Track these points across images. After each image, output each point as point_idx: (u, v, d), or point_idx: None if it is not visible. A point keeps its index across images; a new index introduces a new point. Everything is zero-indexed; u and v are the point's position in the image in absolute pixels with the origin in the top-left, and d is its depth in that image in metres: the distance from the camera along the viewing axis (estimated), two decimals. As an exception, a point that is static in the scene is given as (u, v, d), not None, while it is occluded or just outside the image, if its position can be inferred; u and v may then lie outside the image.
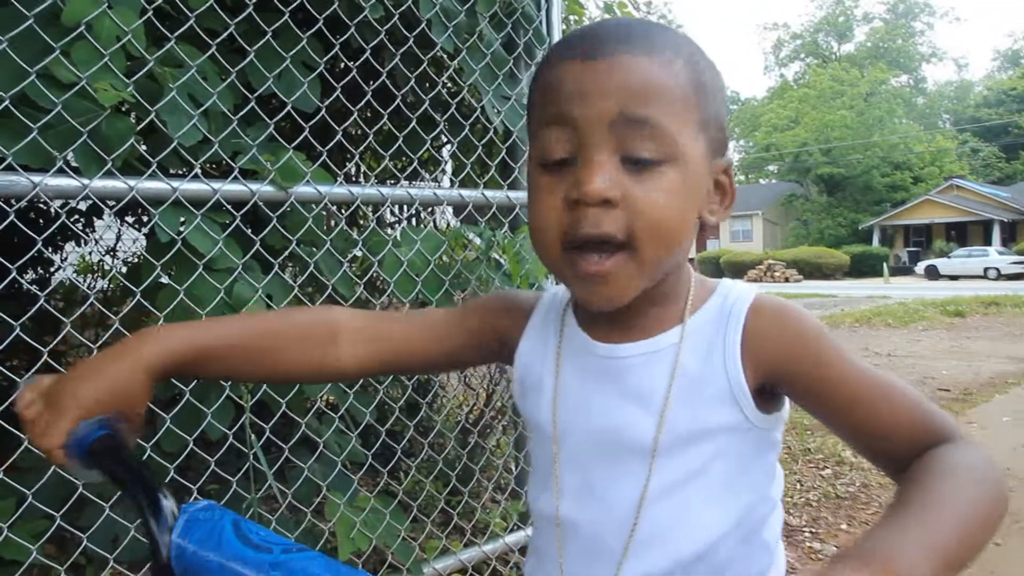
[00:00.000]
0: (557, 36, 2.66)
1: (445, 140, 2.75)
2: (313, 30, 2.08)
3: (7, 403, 1.56)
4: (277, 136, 2.04)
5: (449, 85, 2.63)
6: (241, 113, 1.92)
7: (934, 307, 14.89)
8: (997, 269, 31.52)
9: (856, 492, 3.97)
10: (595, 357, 0.83)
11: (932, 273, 33.28)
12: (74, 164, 1.65)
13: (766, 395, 0.79)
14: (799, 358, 0.76)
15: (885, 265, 33.75)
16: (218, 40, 1.88)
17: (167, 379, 0.84)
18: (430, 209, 3.29)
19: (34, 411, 0.76)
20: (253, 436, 1.82)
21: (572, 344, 0.86)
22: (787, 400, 0.83)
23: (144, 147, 1.76)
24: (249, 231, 1.93)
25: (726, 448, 0.79)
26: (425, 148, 2.46)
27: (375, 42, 2.22)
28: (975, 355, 8.99)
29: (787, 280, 32.19)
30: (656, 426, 0.78)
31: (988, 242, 37.87)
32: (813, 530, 3.45)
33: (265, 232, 1.96)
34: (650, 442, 0.78)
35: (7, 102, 1.52)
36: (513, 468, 2.87)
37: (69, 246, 3.62)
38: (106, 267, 3.82)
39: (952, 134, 52.49)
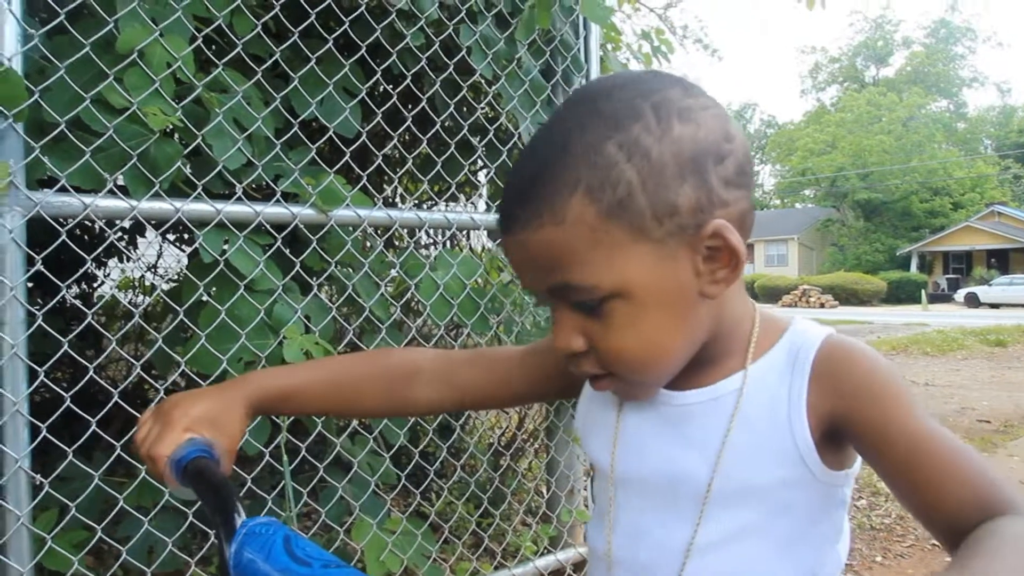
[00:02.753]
0: (595, 63, 2.69)
1: (482, 165, 2.78)
2: (355, 57, 2.12)
3: (54, 416, 1.61)
4: (318, 160, 2.08)
5: (487, 111, 2.67)
6: (284, 137, 1.96)
7: (974, 336, 14.61)
8: (1040, 298, 30.86)
9: (892, 524, 3.90)
10: (656, 401, 0.82)
11: (972, 301, 32.66)
12: (122, 185, 1.70)
13: (834, 446, 0.75)
14: (862, 403, 0.72)
15: (923, 292, 33.21)
16: (263, 67, 1.93)
17: (263, 413, 0.94)
18: (466, 233, 3.32)
19: (145, 428, 0.84)
20: (287, 455, 1.84)
21: None
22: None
23: (189, 170, 1.81)
24: (288, 253, 1.97)
25: (790, 505, 0.76)
26: (463, 172, 2.49)
27: (416, 68, 2.26)
28: (1017, 386, 8.80)
29: (822, 306, 31.81)
30: (712, 473, 0.76)
31: (1031, 270, 37.12)
32: (848, 562, 3.39)
33: (305, 254, 2.00)
34: (705, 490, 0.77)
35: (63, 126, 1.57)
36: (545, 492, 2.87)
37: (112, 262, 3.70)
38: (147, 284, 3.90)
39: (994, 160, 51.63)
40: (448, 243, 3.32)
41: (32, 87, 1.54)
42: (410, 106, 2.29)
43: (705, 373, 0.79)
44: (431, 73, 2.33)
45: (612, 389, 0.80)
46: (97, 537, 1.71)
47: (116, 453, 1.73)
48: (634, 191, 0.69)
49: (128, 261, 3.70)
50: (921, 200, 44.46)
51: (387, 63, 2.20)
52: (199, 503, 1.85)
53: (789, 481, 0.75)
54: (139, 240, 3.49)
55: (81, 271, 1.71)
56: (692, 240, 0.71)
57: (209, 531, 1.90)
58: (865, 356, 0.75)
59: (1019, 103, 63.92)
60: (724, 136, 0.73)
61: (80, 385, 1.66)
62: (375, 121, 2.18)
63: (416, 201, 3.32)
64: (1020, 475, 4.81)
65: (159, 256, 3.65)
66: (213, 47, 1.94)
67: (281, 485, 1.88)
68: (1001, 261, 39.77)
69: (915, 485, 0.68)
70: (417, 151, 2.35)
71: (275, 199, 1.93)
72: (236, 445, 0.86)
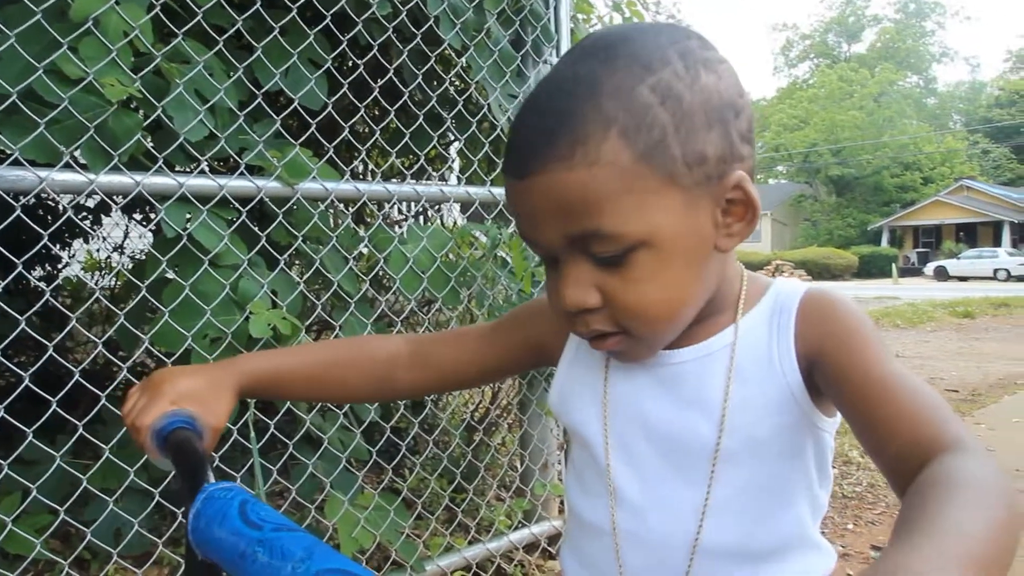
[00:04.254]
0: (565, 34, 2.65)
1: (452, 137, 2.75)
2: (320, 27, 2.08)
3: (11, 397, 1.57)
4: (284, 133, 2.04)
5: (456, 82, 2.63)
6: (247, 109, 1.92)
7: (943, 308, 14.82)
8: (1007, 270, 31.45)
9: (863, 492, 3.95)
10: (647, 363, 0.81)
11: (941, 274, 33.19)
12: (81, 160, 1.66)
13: (817, 390, 0.76)
14: (832, 339, 0.73)
15: (894, 266, 33.63)
16: (225, 36, 1.88)
17: (249, 397, 0.95)
18: (437, 207, 3.29)
19: (132, 400, 0.84)
20: (255, 433, 1.82)
21: None
22: None
23: (150, 143, 1.76)
24: (255, 227, 1.93)
25: (788, 452, 0.77)
26: (432, 145, 2.45)
27: (382, 39, 2.22)
28: (984, 356, 8.94)
29: (800, 279, 32.05)
30: (718, 431, 0.76)
31: (998, 243, 37.74)
32: (820, 529, 3.43)
33: (271, 228, 1.96)
34: (713, 448, 0.77)
35: (14, 97, 1.52)
36: (518, 466, 2.87)
37: (77, 243, 3.63)
38: (113, 264, 3.84)
39: (963, 135, 52.29)
40: (422, 219, 3.29)
41: (-19, 57, 1.49)
42: (378, 78, 2.25)
43: (695, 331, 0.79)
44: (398, 44, 2.28)
45: (617, 348, 0.77)
46: (61, 520, 1.68)
47: (79, 434, 1.69)
48: (667, 136, 0.67)
49: (92, 242, 3.64)
50: (892, 175, 44.96)
51: (353, 33, 2.15)
52: (166, 482, 1.81)
53: (787, 427, 0.76)
54: (105, 220, 3.42)
55: (36, 248, 1.66)
56: (715, 191, 0.71)
57: (177, 511, 1.87)
58: (841, 300, 0.77)
59: (987, 78, 64.59)
60: (738, 91, 0.73)
61: (38, 365, 1.62)
62: (341, 93, 2.13)
63: (385, 175, 3.28)
64: (988, 443, 4.89)
65: (125, 235, 3.59)
66: (173, 17, 1.89)
67: (250, 463, 1.86)
68: (969, 235, 40.38)
69: (869, 419, 0.67)
70: (385, 123, 2.31)
71: (239, 172, 1.88)
72: (221, 424, 0.85)
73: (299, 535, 0.55)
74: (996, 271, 31.78)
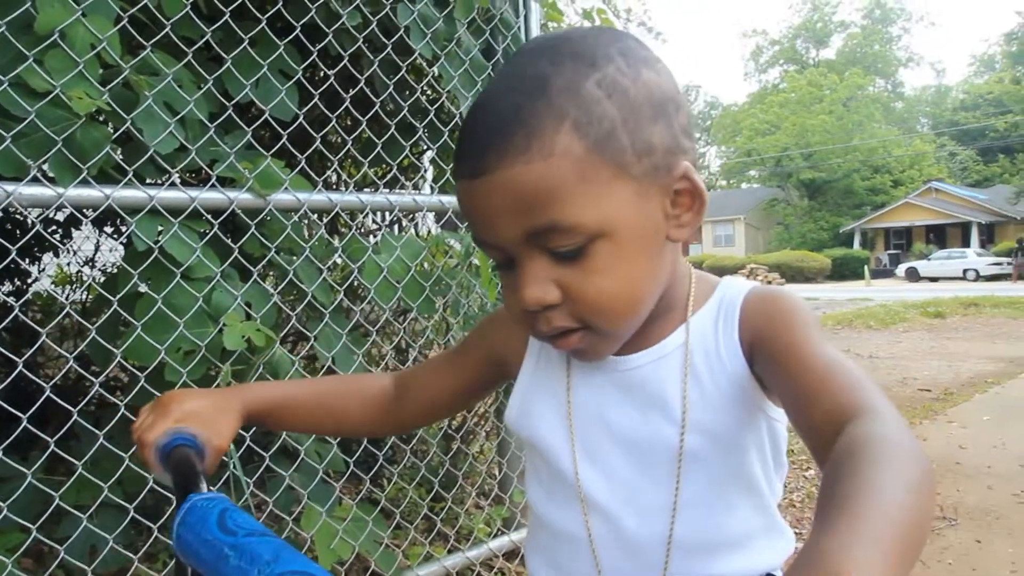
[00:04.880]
0: (535, 42, 2.67)
1: (425, 147, 2.75)
2: (290, 37, 2.08)
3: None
4: (255, 144, 2.03)
5: (428, 92, 2.64)
6: (218, 121, 1.91)
7: (915, 309, 15.02)
8: (976, 271, 31.91)
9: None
10: (607, 370, 0.83)
11: (912, 275, 33.61)
12: (49, 174, 1.64)
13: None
14: (770, 329, 0.76)
15: (866, 268, 34.03)
16: (194, 48, 1.88)
17: (254, 423, 0.97)
18: (411, 216, 3.29)
19: (142, 416, 0.88)
20: (232, 446, 1.80)
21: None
22: None
23: (120, 155, 1.75)
24: (228, 239, 1.92)
25: (746, 445, 0.79)
26: (404, 155, 2.46)
27: (353, 49, 2.22)
28: (955, 355, 9.07)
29: (769, 284, 32.34)
30: (680, 430, 0.78)
31: (967, 244, 38.28)
32: (797, 531, 3.46)
33: (243, 240, 1.95)
34: (677, 447, 0.78)
35: (-20, 111, 1.50)
36: (497, 473, 2.87)
37: (47, 257, 3.58)
38: (84, 278, 3.79)
39: (930, 138, 53.06)
40: (396, 228, 3.28)
41: (-55, 71, 1.48)
42: (349, 88, 2.25)
43: (648, 333, 0.81)
44: (369, 54, 2.29)
45: (579, 346, 0.77)
46: (33, 538, 1.65)
47: (51, 450, 1.67)
48: (616, 127, 0.69)
49: (62, 256, 3.59)
50: (862, 178, 45.44)
51: (323, 44, 2.15)
52: (141, 497, 1.79)
53: (742, 419, 0.78)
54: (76, 234, 3.38)
55: (4, 263, 1.64)
56: (664, 181, 0.73)
57: (153, 526, 1.85)
58: (782, 291, 0.80)
59: (952, 82, 65.69)
60: (676, 88, 0.76)
61: (8, 381, 1.60)
62: (313, 103, 2.13)
63: (358, 185, 3.28)
64: (960, 440, 4.95)
65: (96, 249, 3.55)
66: (141, 29, 1.88)
67: (225, 476, 1.85)
68: (939, 236, 40.94)
69: (795, 392, 0.69)
70: (357, 133, 2.31)
71: (211, 184, 1.88)
72: (224, 444, 0.87)
73: (269, 540, 0.58)
74: (965, 271, 32.23)
